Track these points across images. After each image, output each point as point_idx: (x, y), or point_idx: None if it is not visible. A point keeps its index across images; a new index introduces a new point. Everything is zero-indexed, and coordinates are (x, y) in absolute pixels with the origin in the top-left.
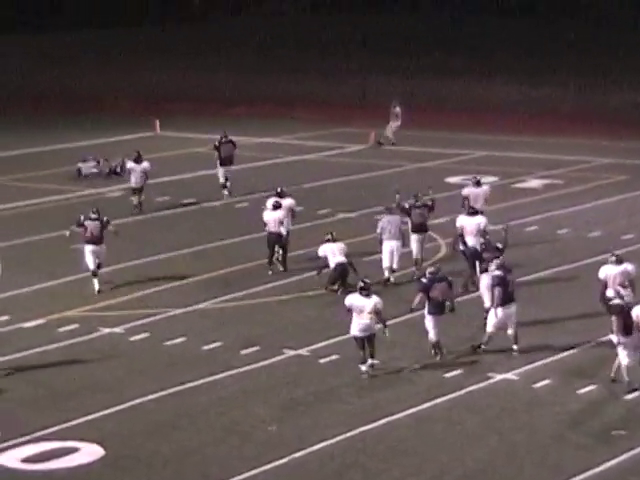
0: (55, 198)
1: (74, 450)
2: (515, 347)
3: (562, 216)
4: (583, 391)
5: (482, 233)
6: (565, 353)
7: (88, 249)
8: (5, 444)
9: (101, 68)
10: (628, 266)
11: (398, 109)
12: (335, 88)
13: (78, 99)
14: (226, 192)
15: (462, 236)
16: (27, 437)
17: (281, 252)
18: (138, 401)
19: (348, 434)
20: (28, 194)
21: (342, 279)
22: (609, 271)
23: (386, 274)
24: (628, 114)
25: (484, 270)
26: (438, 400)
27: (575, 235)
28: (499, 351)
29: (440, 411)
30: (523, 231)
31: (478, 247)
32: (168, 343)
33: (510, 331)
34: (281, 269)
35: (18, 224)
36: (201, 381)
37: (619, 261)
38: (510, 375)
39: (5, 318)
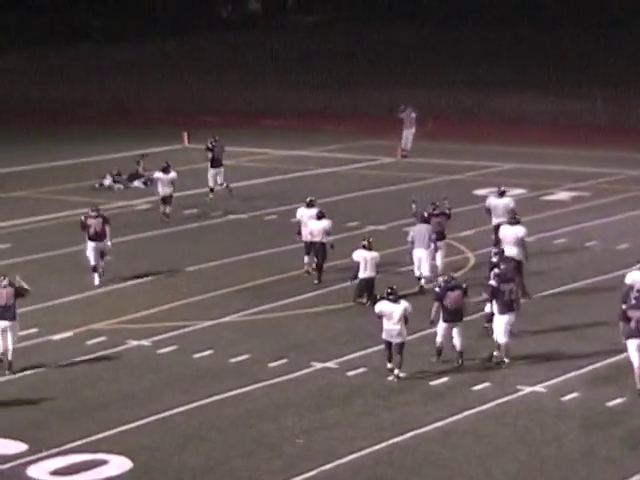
0: (79, 212)
1: (103, 462)
2: (506, 360)
3: (591, 228)
4: (612, 403)
5: (521, 242)
6: (593, 365)
7: (91, 246)
8: (34, 456)
9: (130, 81)
10: None
11: (414, 115)
12: (364, 100)
13: (106, 111)
14: (212, 196)
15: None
16: (56, 449)
17: (319, 262)
18: (166, 414)
19: (376, 447)
20: (56, 207)
21: (369, 292)
22: (636, 277)
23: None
24: None
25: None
26: (466, 413)
27: (603, 247)
28: (527, 363)
29: (468, 424)
30: (552, 243)
31: (517, 256)
32: (196, 356)
33: (502, 340)
34: (315, 282)
35: (47, 236)
36: (229, 394)
37: None
38: (538, 387)
39: (34, 330)
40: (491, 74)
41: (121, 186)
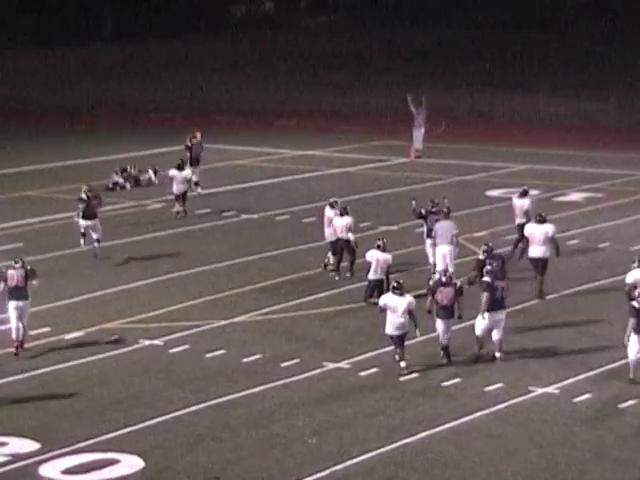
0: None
1: (114, 462)
2: (497, 354)
3: (604, 229)
4: (624, 405)
5: (550, 240)
6: (606, 367)
7: (83, 224)
8: (46, 455)
9: (145, 81)
10: None
11: (424, 114)
12: (378, 101)
13: (123, 111)
14: (200, 189)
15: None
16: (68, 448)
17: (350, 258)
18: (178, 413)
19: (388, 447)
20: (68, 207)
21: (379, 293)
22: (637, 275)
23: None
24: None
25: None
26: (478, 414)
27: (616, 248)
28: (539, 364)
29: (480, 425)
30: (565, 244)
31: (543, 255)
32: (208, 355)
33: (495, 337)
34: (347, 274)
35: (59, 236)
36: (241, 393)
37: None
38: (551, 389)
39: (46, 330)
40: (505, 75)
41: (131, 183)
